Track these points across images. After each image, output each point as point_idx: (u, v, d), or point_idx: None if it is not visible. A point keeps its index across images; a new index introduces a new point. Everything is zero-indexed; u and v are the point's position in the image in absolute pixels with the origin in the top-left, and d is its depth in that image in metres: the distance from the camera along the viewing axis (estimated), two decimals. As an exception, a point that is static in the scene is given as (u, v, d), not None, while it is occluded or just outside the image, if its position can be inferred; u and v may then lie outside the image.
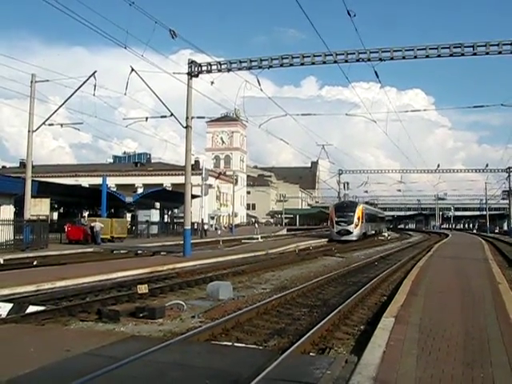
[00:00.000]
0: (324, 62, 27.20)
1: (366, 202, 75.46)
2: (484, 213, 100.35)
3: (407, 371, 6.59)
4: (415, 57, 26.06)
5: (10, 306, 11.81)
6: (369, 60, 26.10)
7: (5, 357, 7.51)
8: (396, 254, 35.17)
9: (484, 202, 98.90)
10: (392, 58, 26.07)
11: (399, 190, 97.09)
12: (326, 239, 51.89)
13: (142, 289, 13.92)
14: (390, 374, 6.44)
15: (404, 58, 26.16)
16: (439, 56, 25.66)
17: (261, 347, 9.03)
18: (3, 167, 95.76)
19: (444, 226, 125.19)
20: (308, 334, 9.30)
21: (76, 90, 30.86)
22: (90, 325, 10.75)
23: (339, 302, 13.31)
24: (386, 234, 73.74)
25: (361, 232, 52.71)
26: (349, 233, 50.73)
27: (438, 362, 7.03)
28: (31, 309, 11.60)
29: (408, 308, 11.17)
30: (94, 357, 7.51)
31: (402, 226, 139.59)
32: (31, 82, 32.11)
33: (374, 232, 65.65)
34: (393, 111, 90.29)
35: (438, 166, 72.66)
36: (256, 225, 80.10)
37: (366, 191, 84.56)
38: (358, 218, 51.98)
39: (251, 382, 6.27)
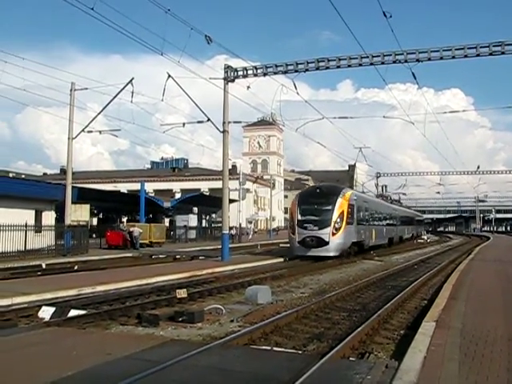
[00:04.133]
0: (360, 65, 27.04)
1: (382, 196, 61.21)
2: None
3: (449, 377, 6.46)
4: (453, 57, 25.65)
5: (52, 309, 12.03)
6: (406, 61, 25.81)
7: (49, 359, 7.65)
8: (436, 257, 34.71)
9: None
10: (429, 59, 25.72)
11: (438, 193, 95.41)
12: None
13: (181, 293, 14.01)
14: (432, 379, 6.32)
15: (442, 58, 25.77)
16: (478, 55, 25.18)
17: (300, 351, 8.99)
18: (44, 174, 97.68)
19: (485, 228, 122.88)
20: (348, 339, 9.22)
21: (114, 97, 31.34)
22: (130, 329, 10.86)
23: (378, 306, 13.18)
24: (425, 237, 72.72)
25: (346, 241, 29.65)
26: (321, 243, 28.31)
27: (482, 369, 6.86)
28: (73, 312, 11.79)
29: (449, 312, 10.98)
30: (134, 360, 7.58)
31: (441, 228, 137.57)
32: (71, 90, 32.68)
33: (397, 237, 49.56)
34: (431, 112, 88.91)
35: (478, 167, 71.05)
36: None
37: (405, 194, 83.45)
38: (341, 217, 29.24)
39: (291, 386, 6.23)
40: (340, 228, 28.89)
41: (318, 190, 31.44)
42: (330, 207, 29.32)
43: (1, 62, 24.77)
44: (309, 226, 28.90)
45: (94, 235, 41.74)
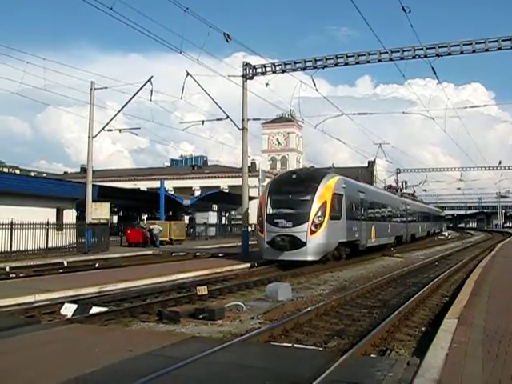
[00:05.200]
0: (379, 60, 26.94)
1: (390, 187, 56.00)
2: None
3: (472, 375, 6.39)
4: (474, 51, 25.46)
5: (74, 306, 12.14)
6: (425, 56, 25.67)
7: (72, 355, 7.72)
8: (457, 253, 34.39)
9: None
10: (450, 54, 25.55)
11: (459, 188, 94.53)
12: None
13: (202, 290, 14.05)
14: (454, 377, 6.25)
15: (462, 52, 25.57)
16: (500, 49, 24.94)
17: (321, 348, 8.97)
18: (65, 173, 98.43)
19: (507, 224, 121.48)
20: (369, 336, 9.20)
21: (133, 96, 31.52)
22: (151, 326, 10.92)
23: (399, 303, 13.11)
24: (446, 234, 72.18)
25: (330, 241, 23.64)
26: (296, 244, 22.52)
27: (506, 367, 6.75)
28: (94, 310, 11.88)
29: (471, 309, 10.88)
30: (155, 357, 7.63)
31: (462, 224, 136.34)
32: (90, 89, 32.93)
33: (406, 236, 42.79)
34: (451, 107, 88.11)
35: (500, 162, 70.18)
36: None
37: (425, 190, 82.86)
38: (323, 209, 23.12)
39: (312, 383, 6.24)
40: (321, 224, 22.70)
41: (294, 176, 24.70)
42: (308, 197, 23.20)
43: (22, 62, 25.08)
44: (281, 222, 22.91)
45: (114, 233, 42.06)
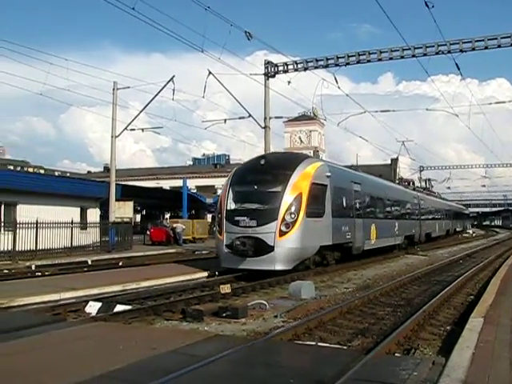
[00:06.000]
0: (402, 57, 26.77)
1: (401, 180, 51.92)
2: None
3: (499, 375, 6.29)
4: (499, 46, 25.13)
5: (99, 304, 12.24)
6: (449, 52, 25.43)
7: (96, 353, 7.80)
8: (482, 251, 34.08)
9: None
10: (474, 49, 25.27)
11: (484, 186, 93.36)
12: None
13: (225, 289, 14.08)
14: (481, 377, 6.16)
15: (487, 47, 25.28)
16: (526, 43, 24.61)
17: (345, 347, 8.93)
18: (89, 172, 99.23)
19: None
20: (393, 334, 9.14)
21: (156, 95, 31.68)
22: (174, 324, 10.97)
23: (424, 302, 13.01)
24: (470, 231, 71.42)
25: (307, 245, 18.82)
26: (261, 248, 17.80)
27: (534, 367, 6.66)
28: (118, 308, 11.97)
29: (497, 308, 10.75)
30: (179, 355, 7.66)
31: (487, 222, 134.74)
32: (113, 89, 33.21)
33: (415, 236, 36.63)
34: (475, 104, 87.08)
35: (526, 159, 69.11)
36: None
37: (449, 187, 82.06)
38: (297, 204, 18.32)
39: (336, 382, 6.21)
40: (294, 223, 17.90)
41: (262, 162, 19.56)
42: (278, 188, 18.45)
43: (46, 63, 25.39)
44: (242, 221, 18.19)
45: (138, 231, 42.33)
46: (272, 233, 17.71)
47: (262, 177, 19.01)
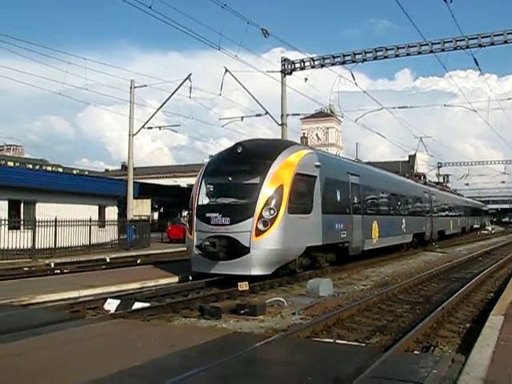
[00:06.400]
0: (419, 53, 26.61)
1: (413, 175, 46.18)
2: None
3: (521, 374, 6.24)
4: (518, 40, 24.86)
5: (117, 302, 12.30)
6: (467, 47, 25.26)
7: (115, 350, 7.84)
8: (501, 248, 33.81)
9: None
10: (492, 44, 25.06)
11: (503, 182, 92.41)
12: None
13: (243, 286, 14.08)
14: (502, 376, 6.07)
15: (506, 42, 25.05)
16: (545, 37, 24.34)
17: (363, 344, 8.91)
18: (106, 170, 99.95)
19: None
20: (412, 332, 9.09)
21: (172, 93, 31.84)
22: (192, 321, 11.01)
23: (442, 299, 12.94)
24: (489, 228, 70.84)
25: (289, 246, 16.04)
26: (235, 250, 15.43)
27: (556, 366, 6.57)
28: (137, 305, 12.01)
29: (518, 305, 10.65)
30: (198, 352, 7.68)
31: (506, 219, 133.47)
32: (130, 87, 33.40)
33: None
34: (494, 99, 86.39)
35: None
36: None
37: (467, 184, 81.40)
38: (278, 198, 15.75)
39: (354, 379, 6.18)
40: (274, 220, 15.41)
41: (239, 150, 16.85)
42: (255, 180, 15.98)
43: (65, 63, 25.61)
44: (214, 218, 15.78)
45: (155, 229, 42.51)
46: (247, 232, 15.30)
47: (237, 167, 16.47)
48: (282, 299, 12.83)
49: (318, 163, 17.82)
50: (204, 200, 16.81)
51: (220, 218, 15.69)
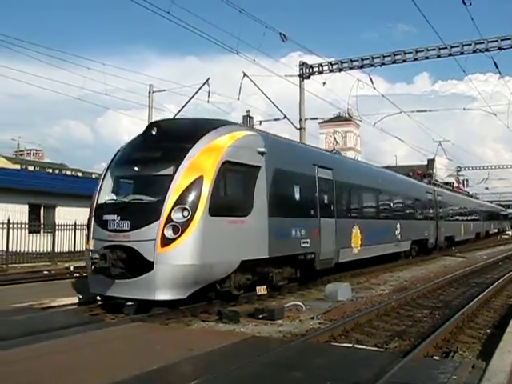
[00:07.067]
0: (438, 56, 26.45)
1: (414, 172, 37.96)
2: None
3: (543, 380, 6.15)
4: (539, 42, 24.64)
5: (136, 305, 12.35)
6: (487, 50, 25.04)
7: (134, 353, 7.89)
8: (522, 253, 33.39)
9: None
10: (513, 46, 24.82)
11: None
12: None
13: (261, 290, 14.05)
14: (523, 382, 6.03)
15: (526, 44, 24.80)
16: None
17: (382, 349, 8.86)
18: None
19: None
20: (431, 337, 9.02)
21: (191, 98, 31.65)
22: (211, 325, 11.01)
23: (462, 304, 12.83)
24: (510, 233, 70.14)
25: (212, 261, 11.52)
26: (136, 266, 11.12)
27: None
28: (155, 309, 12.07)
29: (539, 311, 10.53)
30: (216, 356, 7.70)
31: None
32: (149, 92, 33.56)
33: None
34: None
35: None
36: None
37: (487, 188, 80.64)
38: (194, 194, 11.26)
39: (373, 384, 6.16)
40: (188, 224, 11.24)
41: (153, 133, 12.92)
42: (167, 171, 11.90)
43: (83, 68, 25.83)
44: (112, 222, 11.83)
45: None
46: (151, 240, 11.09)
47: (147, 154, 12.45)
48: (300, 303, 12.79)
49: (262, 149, 13.43)
50: (104, 198, 12.71)
51: (118, 221, 11.63)
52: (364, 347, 8.85)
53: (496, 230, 67.86)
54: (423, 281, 18.29)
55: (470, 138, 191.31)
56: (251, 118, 17.56)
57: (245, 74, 26.87)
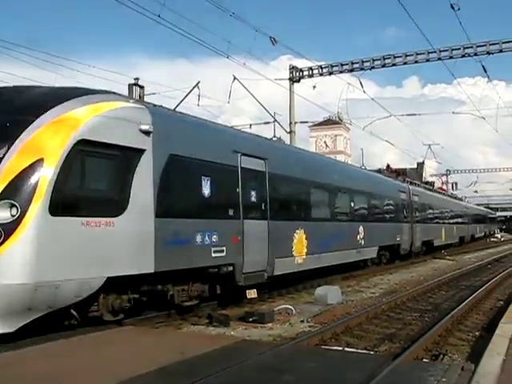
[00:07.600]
0: (427, 60, 26.63)
1: (388, 168, 36.93)
2: None
3: (531, 382, 6.19)
4: (527, 47, 24.84)
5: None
6: (475, 54, 25.25)
7: (125, 357, 7.83)
8: (511, 256, 33.59)
9: None
10: (501, 51, 25.06)
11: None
12: None
13: (251, 293, 14.03)
14: (512, 384, 6.07)
15: (515, 48, 25.00)
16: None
17: (372, 352, 8.88)
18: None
19: None
20: (421, 340, 9.06)
21: (181, 101, 31.69)
22: (201, 329, 10.98)
23: (451, 307, 12.90)
24: (498, 236, 70.51)
25: (50, 279, 8.07)
26: None
27: None
28: (146, 312, 12.03)
29: (527, 313, 10.60)
30: (207, 359, 7.67)
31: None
32: (139, 95, 33.47)
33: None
34: (503, 106, 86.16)
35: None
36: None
37: (476, 191, 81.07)
38: (28, 186, 8.05)
39: (364, 388, 6.16)
40: (15, 226, 7.96)
41: None
42: None
43: (74, 71, 25.82)
44: None
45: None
46: None
47: None
48: (290, 307, 12.79)
49: (147, 127, 10.04)
50: None
51: None
52: (354, 350, 8.87)
53: (482, 234, 64.74)
54: (413, 284, 18.37)
55: (459, 142, 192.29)
56: (142, 87, 14.60)
57: (235, 78, 26.87)
